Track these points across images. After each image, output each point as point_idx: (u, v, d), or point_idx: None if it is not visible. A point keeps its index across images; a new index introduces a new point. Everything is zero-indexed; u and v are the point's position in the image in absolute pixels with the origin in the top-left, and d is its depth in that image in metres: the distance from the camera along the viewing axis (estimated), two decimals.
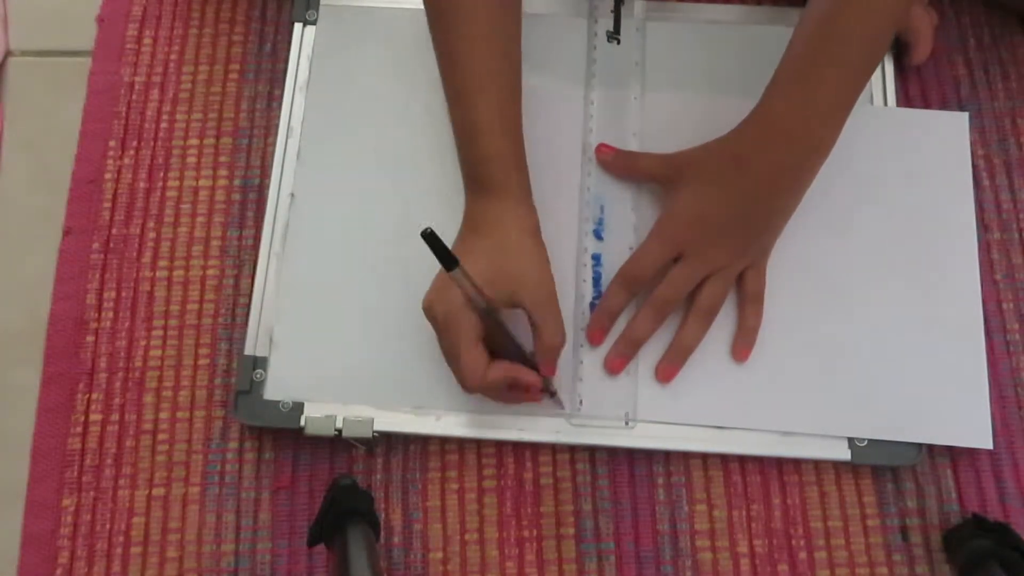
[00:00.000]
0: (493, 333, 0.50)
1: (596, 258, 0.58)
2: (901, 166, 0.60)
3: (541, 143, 0.60)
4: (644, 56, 0.63)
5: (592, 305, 0.57)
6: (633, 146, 0.60)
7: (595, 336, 0.56)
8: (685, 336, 0.55)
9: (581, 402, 0.55)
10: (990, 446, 0.55)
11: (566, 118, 0.61)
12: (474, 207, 0.53)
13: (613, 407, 0.55)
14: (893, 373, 0.56)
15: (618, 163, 0.59)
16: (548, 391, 0.53)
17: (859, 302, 0.57)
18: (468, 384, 0.50)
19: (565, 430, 0.55)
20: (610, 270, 0.57)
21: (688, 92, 0.62)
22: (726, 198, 0.53)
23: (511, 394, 0.52)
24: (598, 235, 0.59)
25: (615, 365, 0.55)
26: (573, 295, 0.57)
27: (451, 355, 0.50)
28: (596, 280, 0.58)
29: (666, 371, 0.55)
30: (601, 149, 0.60)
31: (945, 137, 0.61)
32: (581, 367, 0.56)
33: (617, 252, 0.57)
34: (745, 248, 0.55)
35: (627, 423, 0.55)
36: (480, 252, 0.50)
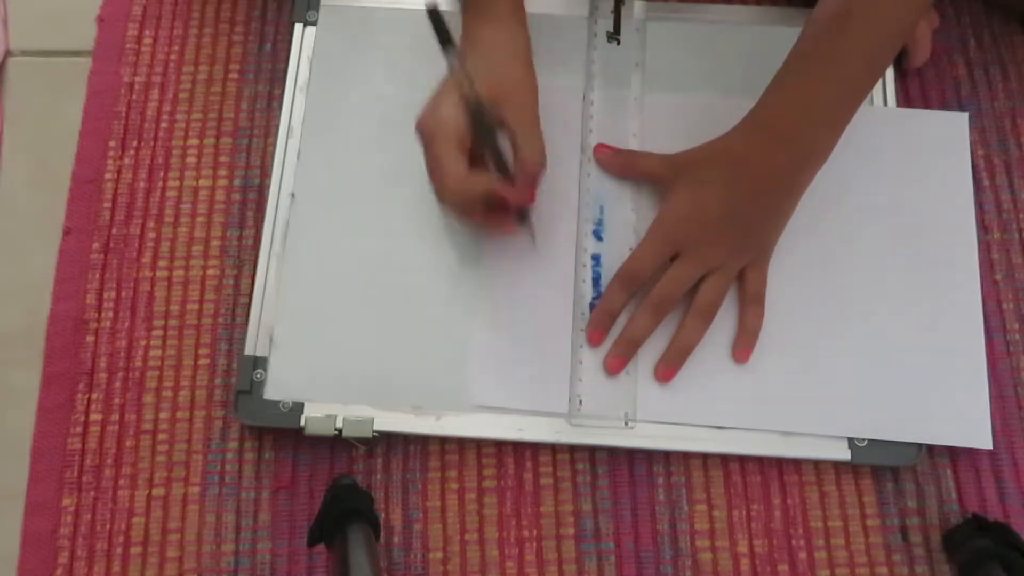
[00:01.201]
0: (478, 145, 0.50)
1: (596, 258, 0.58)
2: (901, 166, 0.60)
3: None
4: (644, 56, 0.63)
5: (592, 305, 0.57)
6: (633, 146, 0.60)
7: (594, 336, 0.56)
8: (684, 335, 0.55)
9: (581, 402, 0.55)
10: (990, 446, 0.55)
11: (566, 118, 0.61)
12: (466, 28, 0.54)
13: (613, 407, 0.55)
14: (893, 373, 0.56)
15: (617, 163, 0.59)
16: (523, 219, 0.53)
17: (859, 302, 0.57)
18: (448, 187, 0.50)
19: (565, 430, 0.55)
20: (610, 270, 0.57)
21: (688, 92, 0.62)
22: (722, 197, 0.53)
23: (488, 218, 0.53)
24: (598, 235, 0.59)
25: (614, 365, 0.55)
26: (573, 295, 0.57)
27: (434, 163, 0.51)
28: (596, 280, 0.58)
29: (665, 371, 0.55)
30: (599, 149, 0.60)
31: (945, 137, 0.61)
32: (580, 367, 0.56)
33: (617, 252, 0.57)
34: (742, 246, 0.55)
35: (627, 423, 0.55)
36: (470, 68, 0.51)
